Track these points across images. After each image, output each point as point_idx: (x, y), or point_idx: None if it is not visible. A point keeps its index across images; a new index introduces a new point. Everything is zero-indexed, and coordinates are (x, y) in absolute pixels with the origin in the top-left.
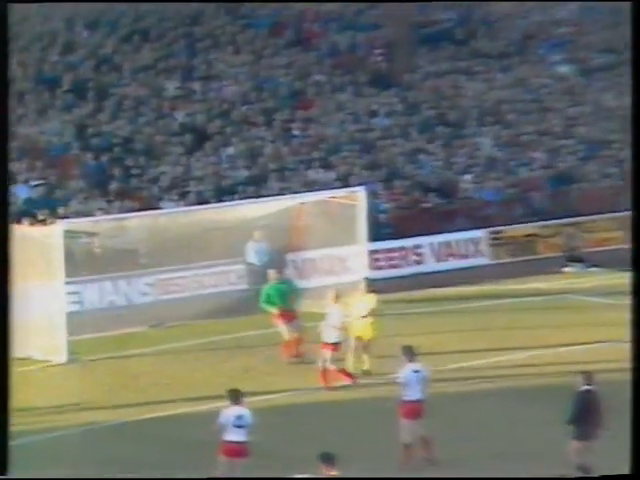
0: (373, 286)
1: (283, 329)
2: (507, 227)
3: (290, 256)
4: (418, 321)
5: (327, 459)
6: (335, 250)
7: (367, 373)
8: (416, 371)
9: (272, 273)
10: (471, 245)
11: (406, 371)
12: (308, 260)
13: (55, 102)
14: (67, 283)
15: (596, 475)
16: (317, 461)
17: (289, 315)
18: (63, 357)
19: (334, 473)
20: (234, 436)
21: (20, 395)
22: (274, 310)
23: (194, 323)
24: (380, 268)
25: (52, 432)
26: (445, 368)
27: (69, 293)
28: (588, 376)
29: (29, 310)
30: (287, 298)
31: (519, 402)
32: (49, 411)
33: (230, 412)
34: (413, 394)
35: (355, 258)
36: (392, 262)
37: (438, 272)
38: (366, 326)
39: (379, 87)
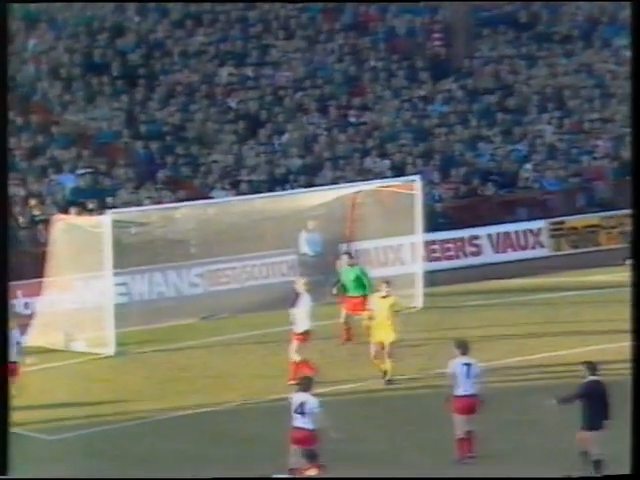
0: (393, 288)
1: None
2: (568, 217)
3: (343, 247)
4: (475, 314)
5: (310, 457)
6: (390, 241)
7: (389, 381)
8: (466, 364)
9: (344, 258)
10: (531, 236)
11: (455, 364)
12: (362, 251)
13: (104, 89)
14: (115, 274)
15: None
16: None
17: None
18: (111, 349)
19: (313, 472)
20: (298, 423)
21: (67, 388)
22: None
23: (244, 315)
24: (436, 259)
25: (99, 426)
26: (504, 362)
27: (117, 284)
28: (592, 366)
29: (76, 302)
30: (360, 284)
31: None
32: (96, 404)
33: (296, 398)
34: (464, 389)
35: (410, 249)
36: (449, 253)
37: (496, 264)
38: (388, 330)
39: (437, 73)
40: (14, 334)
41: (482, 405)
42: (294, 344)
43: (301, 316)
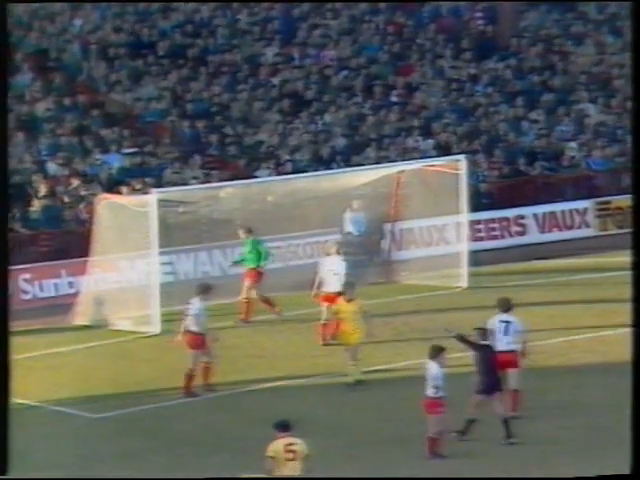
0: (355, 292)
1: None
2: (614, 197)
3: (388, 226)
4: (520, 294)
5: (282, 427)
6: (434, 220)
7: (357, 382)
8: (505, 322)
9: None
10: (577, 216)
11: (493, 321)
12: (406, 230)
13: (150, 68)
14: (161, 253)
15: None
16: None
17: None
18: (157, 328)
19: (289, 440)
20: (429, 392)
21: (112, 366)
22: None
23: (289, 294)
24: (481, 239)
25: (143, 404)
26: (550, 342)
27: (163, 264)
28: (483, 332)
29: (121, 281)
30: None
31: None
32: (141, 383)
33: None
34: (501, 345)
35: (455, 229)
36: (493, 233)
37: (542, 243)
38: (354, 333)
39: (483, 52)
40: (194, 303)
41: (522, 361)
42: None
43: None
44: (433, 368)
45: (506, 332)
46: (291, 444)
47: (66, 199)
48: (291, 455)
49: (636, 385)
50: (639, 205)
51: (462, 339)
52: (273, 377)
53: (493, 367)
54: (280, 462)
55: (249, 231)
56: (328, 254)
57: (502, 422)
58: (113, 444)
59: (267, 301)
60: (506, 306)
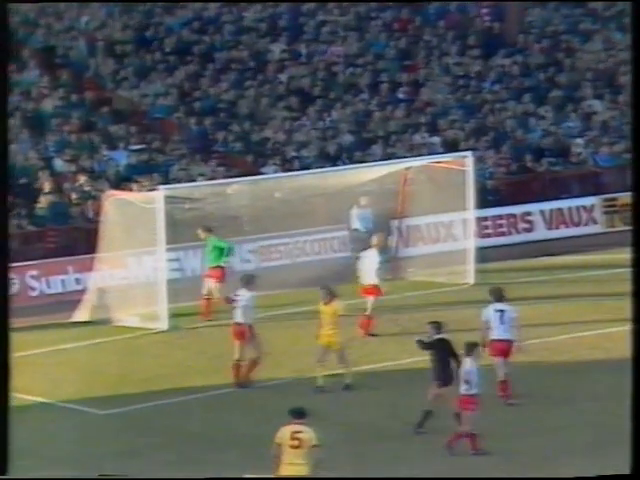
0: (334, 293)
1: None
2: (621, 194)
3: (395, 223)
4: (527, 290)
5: (296, 414)
6: (441, 217)
7: (347, 386)
8: (500, 310)
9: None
10: (584, 212)
11: (489, 311)
12: (413, 227)
13: (157, 65)
14: (168, 250)
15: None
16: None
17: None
18: (164, 324)
19: (296, 428)
20: (463, 389)
21: (119, 363)
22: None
23: (296, 291)
24: (488, 236)
25: (150, 401)
26: (556, 339)
27: (170, 260)
28: (437, 325)
29: (128, 277)
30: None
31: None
32: (148, 379)
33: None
34: (497, 333)
35: (462, 225)
36: (500, 229)
37: (549, 240)
38: (333, 337)
39: (489, 49)
40: (242, 295)
41: (518, 349)
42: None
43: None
44: (467, 364)
45: (502, 321)
46: (298, 432)
47: (73, 196)
48: (296, 442)
49: (636, 385)
50: (639, 202)
51: (420, 344)
52: (280, 374)
53: (449, 359)
54: (285, 449)
55: (208, 230)
56: (369, 247)
57: (425, 413)
58: (120, 441)
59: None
60: (499, 295)
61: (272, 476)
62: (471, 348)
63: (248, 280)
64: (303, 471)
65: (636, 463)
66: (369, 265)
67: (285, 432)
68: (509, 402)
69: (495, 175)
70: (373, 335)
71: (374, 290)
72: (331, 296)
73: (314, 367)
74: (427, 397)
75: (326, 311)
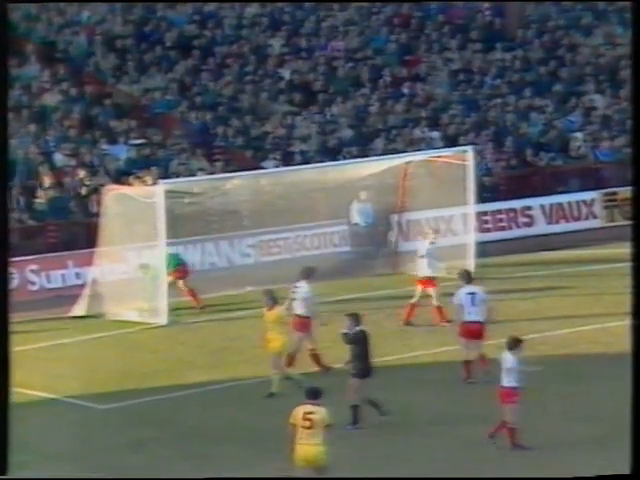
0: (276, 299)
1: None
2: (622, 188)
3: (395, 217)
4: (527, 285)
5: (310, 394)
6: (441, 211)
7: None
8: (471, 293)
9: None
10: (584, 207)
11: (460, 293)
12: (413, 221)
13: (157, 60)
14: (168, 244)
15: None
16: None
17: None
18: (163, 319)
19: (309, 408)
20: (505, 382)
21: (118, 357)
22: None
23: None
24: (488, 230)
25: (150, 395)
26: (556, 333)
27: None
28: (356, 317)
29: (128, 272)
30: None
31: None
32: (147, 374)
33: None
34: (469, 315)
35: (462, 220)
36: (501, 224)
37: (549, 234)
38: (276, 342)
39: (490, 43)
40: (302, 287)
41: (488, 330)
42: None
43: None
44: (509, 359)
45: (473, 303)
46: (310, 412)
47: (73, 190)
48: (308, 423)
49: (636, 385)
50: (639, 197)
51: (344, 337)
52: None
53: (368, 351)
54: (298, 429)
55: None
56: (423, 238)
57: (369, 403)
58: (120, 435)
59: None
60: (468, 278)
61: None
62: (513, 342)
63: (308, 272)
64: (315, 451)
65: (636, 463)
66: (423, 257)
67: (298, 412)
68: (469, 381)
69: (495, 170)
70: (449, 321)
71: (430, 282)
72: (273, 302)
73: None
74: (348, 391)
75: (269, 317)
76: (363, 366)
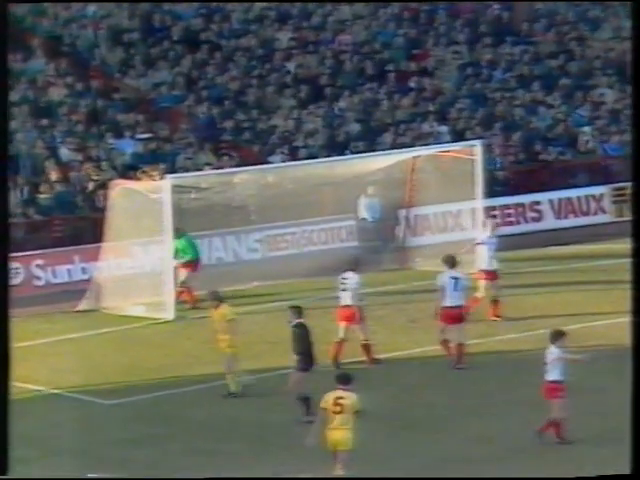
0: (221, 298)
1: None
2: (631, 183)
3: (402, 212)
4: (536, 280)
5: (341, 379)
6: (449, 206)
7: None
8: (454, 278)
9: None
10: (593, 202)
11: (443, 277)
12: (421, 216)
13: (164, 53)
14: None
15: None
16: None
17: None
18: (170, 314)
19: (339, 394)
20: (550, 376)
21: (125, 353)
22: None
23: (303, 280)
24: (496, 225)
25: (157, 391)
26: (565, 328)
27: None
28: (298, 310)
29: (135, 267)
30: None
31: None
32: (154, 369)
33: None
34: (451, 300)
35: (470, 215)
36: (509, 219)
37: (557, 230)
38: (224, 342)
39: (499, 37)
40: (350, 278)
41: (469, 315)
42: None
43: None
44: (554, 352)
45: (456, 288)
46: (340, 397)
47: (79, 185)
48: (338, 408)
49: (636, 385)
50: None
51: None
52: (286, 364)
53: (310, 344)
54: (329, 414)
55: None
56: (485, 232)
57: (303, 400)
58: (126, 430)
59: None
60: (453, 262)
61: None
62: (557, 336)
63: (355, 263)
64: (344, 435)
65: (636, 463)
66: (485, 251)
67: (329, 397)
68: (458, 367)
69: (504, 164)
70: (498, 316)
71: (490, 274)
72: (218, 301)
73: (320, 357)
74: (290, 384)
75: (215, 317)
76: (305, 359)
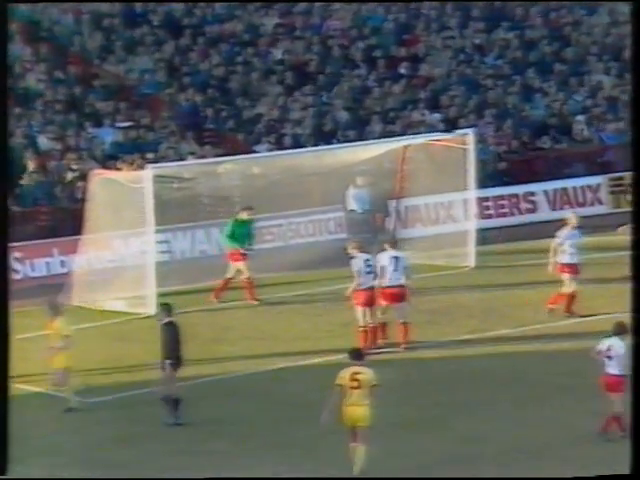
0: (59, 309)
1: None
2: (629, 173)
3: (393, 203)
4: (530, 273)
5: (354, 355)
6: (441, 197)
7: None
8: (395, 257)
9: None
10: (589, 192)
11: (384, 257)
12: (412, 208)
13: (145, 39)
14: (156, 231)
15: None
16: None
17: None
18: (152, 309)
19: (356, 369)
20: (609, 369)
21: (105, 349)
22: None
23: (289, 274)
24: (489, 217)
25: (138, 389)
26: (561, 324)
27: (158, 242)
28: (167, 308)
29: (115, 260)
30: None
31: None
32: (136, 366)
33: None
34: (390, 280)
35: (462, 206)
36: (503, 210)
37: (553, 221)
38: (58, 356)
39: (492, 22)
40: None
41: (410, 295)
42: None
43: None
44: (618, 345)
45: (396, 267)
46: (357, 372)
47: (58, 175)
48: (355, 383)
49: (636, 385)
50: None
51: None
52: (273, 360)
53: (178, 342)
54: (346, 389)
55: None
56: (567, 225)
57: (171, 401)
58: (107, 430)
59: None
60: (394, 242)
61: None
62: (620, 328)
63: (393, 243)
64: (363, 411)
65: (636, 463)
66: (563, 245)
67: (345, 373)
68: (405, 347)
69: (497, 153)
70: (572, 312)
71: (571, 268)
72: (55, 313)
73: (308, 353)
74: (159, 384)
75: (50, 330)
76: (173, 357)
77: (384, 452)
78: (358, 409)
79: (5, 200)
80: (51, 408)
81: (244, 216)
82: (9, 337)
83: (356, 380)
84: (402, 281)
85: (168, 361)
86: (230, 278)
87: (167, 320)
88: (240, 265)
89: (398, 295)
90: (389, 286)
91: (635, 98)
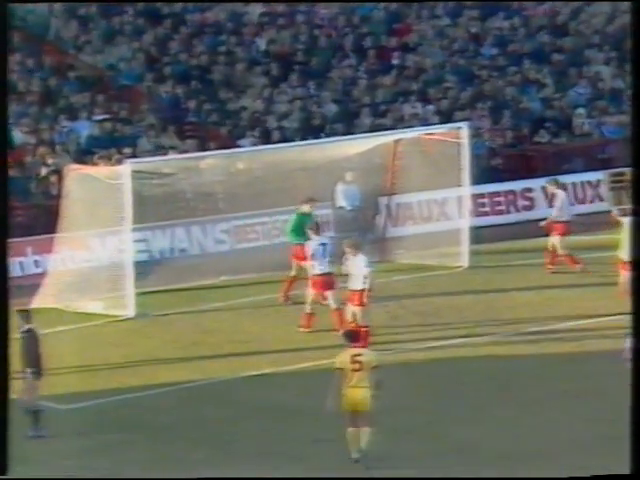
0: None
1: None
2: (630, 168)
3: (383, 200)
4: (528, 274)
5: (349, 337)
6: (434, 194)
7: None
8: (322, 244)
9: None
10: (589, 188)
11: (313, 244)
12: (404, 205)
13: (124, 27)
14: (134, 230)
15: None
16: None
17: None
18: (131, 311)
19: (356, 351)
20: None
21: (81, 353)
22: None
23: (274, 275)
24: (485, 214)
25: (117, 395)
26: (561, 326)
27: (137, 241)
28: (27, 315)
29: (91, 260)
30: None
31: None
32: (114, 371)
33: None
34: (320, 267)
35: (456, 203)
36: (499, 207)
37: None
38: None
39: (486, 11)
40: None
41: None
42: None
43: None
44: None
45: (324, 254)
46: (358, 354)
47: (32, 170)
48: (357, 365)
49: (636, 385)
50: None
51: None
52: (256, 363)
53: (39, 350)
54: (347, 372)
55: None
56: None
57: (32, 412)
58: (83, 438)
59: None
60: (317, 228)
61: None
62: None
63: (316, 229)
64: (365, 393)
65: (636, 463)
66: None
67: (345, 356)
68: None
69: (493, 148)
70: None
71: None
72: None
73: (292, 356)
74: (21, 394)
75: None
76: (34, 366)
77: (375, 457)
78: (359, 391)
79: (5, 199)
80: (19, 415)
81: (306, 209)
82: (9, 337)
83: (357, 362)
84: (330, 269)
85: (29, 370)
86: (295, 276)
87: (27, 327)
88: (304, 263)
89: (329, 283)
90: (320, 274)
91: (635, 95)
